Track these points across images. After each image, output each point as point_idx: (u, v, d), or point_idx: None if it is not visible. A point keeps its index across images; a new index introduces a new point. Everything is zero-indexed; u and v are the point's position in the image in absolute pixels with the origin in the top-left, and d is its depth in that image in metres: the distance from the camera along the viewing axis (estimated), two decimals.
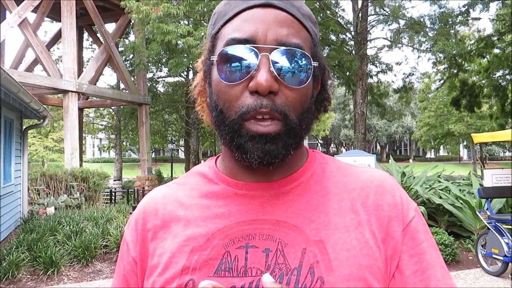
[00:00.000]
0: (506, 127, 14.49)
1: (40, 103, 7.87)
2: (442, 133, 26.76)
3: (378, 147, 51.89)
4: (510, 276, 5.24)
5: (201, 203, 0.66)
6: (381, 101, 17.34)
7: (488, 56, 13.60)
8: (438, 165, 10.80)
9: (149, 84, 19.20)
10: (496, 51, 13.53)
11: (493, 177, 6.50)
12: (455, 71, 13.85)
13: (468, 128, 23.97)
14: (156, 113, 21.83)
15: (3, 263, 5.21)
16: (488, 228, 5.41)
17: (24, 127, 9.01)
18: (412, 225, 0.63)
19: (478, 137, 6.91)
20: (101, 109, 24.18)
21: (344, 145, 48.69)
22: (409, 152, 53.96)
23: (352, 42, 13.90)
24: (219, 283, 0.57)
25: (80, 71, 14.80)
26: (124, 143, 27.40)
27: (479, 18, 13.60)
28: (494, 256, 5.25)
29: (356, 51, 12.96)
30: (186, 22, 13.65)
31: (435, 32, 12.67)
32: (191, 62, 12.45)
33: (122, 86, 19.85)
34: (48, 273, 5.27)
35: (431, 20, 13.21)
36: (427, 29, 13.11)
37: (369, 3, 13.16)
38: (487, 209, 5.61)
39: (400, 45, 14.18)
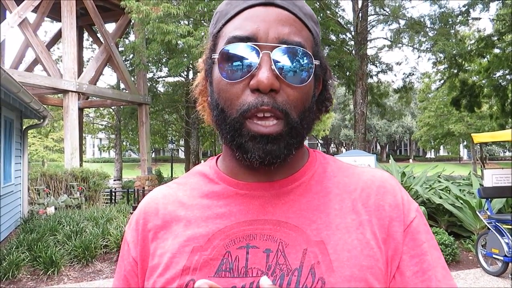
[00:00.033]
0: (506, 127, 14.48)
1: (40, 103, 7.87)
2: (442, 133, 26.76)
3: (378, 147, 51.89)
4: (510, 276, 5.24)
5: (202, 203, 0.66)
6: (381, 101, 17.34)
7: (488, 56, 13.60)
8: (438, 165, 10.80)
9: (149, 84, 19.21)
10: (496, 51, 13.53)
11: (493, 177, 6.50)
12: (455, 71, 13.85)
13: (468, 128, 23.97)
14: (156, 113, 21.84)
15: (3, 263, 5.21)
16: (488, 228, 5.41)
17: (24, 127, 9.00)
18: (413, 225, 0.63)
19: (478, 137, 6.90)
20: (101, 109, 24.19)
21: (344, 145, 48.69)
22: (409, 152, 53.95)
23: (352, 42, 13.90)
24: (220, 283, 0.57)
25: (80, 71, 14.80)
26: (124, 143, 27.40)
27: (479, 18, 13.62)
28: (494, 256, 5.25)
29: (356, 51, 12.96)
30: (186, 22, 13.65)
31: (435, 32, 12.67)
32: (191, 62, 12.45)
33: (122, 86, 19.86)
34: (48, 273, 5.27)
35: (431, 20, 13.21)
36: (427, 29, 13.11)
37: (369, 3, 13.16)
38: (487, 209, 5.61)
39: (400, 45, 14.18)
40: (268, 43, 0.58)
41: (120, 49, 17.32)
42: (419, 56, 25.94)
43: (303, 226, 0.61)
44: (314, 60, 0.61)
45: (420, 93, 27.46)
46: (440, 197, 7.36)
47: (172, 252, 0.63)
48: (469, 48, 13.24)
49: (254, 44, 0.58)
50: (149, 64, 17.48)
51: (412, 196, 7.14)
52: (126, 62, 18.79)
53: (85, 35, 19.68)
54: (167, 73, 20.62)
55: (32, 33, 12.40)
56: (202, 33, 10.89)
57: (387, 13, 13.70)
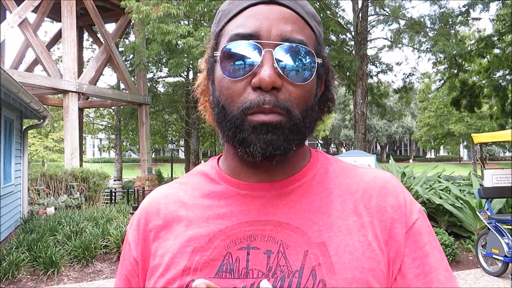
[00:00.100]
0: (506, 127, 14.49)
1: (40, 103, 7.87)
2: (442, 133, 26.76)
3: (378, 147, 51.90)
4: (510, 276, 5.23)
5: (203, 203, 0.66)
6: (381, 101, 17.32)
7: (488, 56, 13.61)
8: (438, 165, 10.79)
9: (149, 84, 19.19)
10: (496, 51, 13.53)
11: (493, 177, 6.50)
12: (455, 71, 13.84)
13: (468, 128, 23.97)
14: (156, 113, 21.83)
15: (3, 263, 5.21)
16: (488, 228, 5.41)
17: (24, 127, 9.00)
18: (416, 227, 0.62)
19: (478, 137, 6.90)
20: (101, 109, 24.17)
21: (344, 145, 48.71)
22: (409, 152, 53.97)
23: (352, 42, 13.89)
24: (220, 284, 0.57)
25: (80, 71, 14.79)
26: (124, 143, 27.38)
27: (479, 18, 13.60)
28: (494, 256, 5.25)
29: (356, 51, 12.95)
30: (186, 22, 13.65)
31: (435, 32, 12.66)
32: (191, 62, 12.45)
33: (122, 86, 19.85)
34: (48, 273, 5.27)
35: (431, 20, 13.20)
36: (427, 29, 13.10)
37: (369, 3, 13.15)
38: (487, 209, 5.61)
39: (400, 45, 14.16)
40: (271, 41, 0.58)
41: (120, 49, 17.31)
42: (419, 56, 26.03)
43: (304, 228, 0.60)
44: (316, 59, 0.61)
45: (420, 93, 27.45)
46: (440, 197, 7.36)
47: (173, 252, 0.62)
48: (469, 48, 13.24)
49: (256, 42, 0.58)
50: (149, 64, 17.48)
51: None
52: (126, 62, 18.79)
53: (85, 35, 19.67)
54: (167, 73, 20.61)
55: (32, 33, 12.40)
56: (202, 33, 10.89)
57: (387, 13, 13.69)
